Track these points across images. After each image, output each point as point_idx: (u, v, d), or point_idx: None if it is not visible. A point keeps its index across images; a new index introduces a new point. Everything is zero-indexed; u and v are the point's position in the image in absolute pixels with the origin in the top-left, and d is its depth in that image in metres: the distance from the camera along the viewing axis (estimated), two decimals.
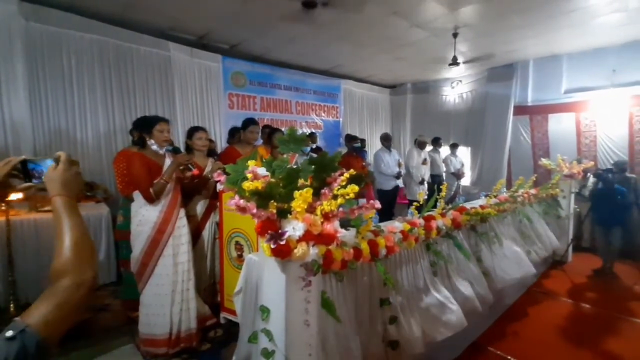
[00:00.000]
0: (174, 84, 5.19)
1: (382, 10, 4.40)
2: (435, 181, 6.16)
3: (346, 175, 1.36)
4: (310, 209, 1.32)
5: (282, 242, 1.20)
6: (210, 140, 3.64)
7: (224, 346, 2.48)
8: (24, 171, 0.93)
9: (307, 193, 1.17)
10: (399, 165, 5.71)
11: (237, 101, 6.16)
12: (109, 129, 4.65)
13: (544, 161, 4.91)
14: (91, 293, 0.73)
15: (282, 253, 1.24)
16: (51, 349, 0.64)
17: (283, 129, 4.35)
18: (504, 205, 3.29)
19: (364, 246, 1.80)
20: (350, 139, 5.83)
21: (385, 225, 2.13)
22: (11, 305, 2.89)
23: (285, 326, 1.35)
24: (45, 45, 4.14)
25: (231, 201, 1.20)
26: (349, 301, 1.80)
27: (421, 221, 2.32)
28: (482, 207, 2.99)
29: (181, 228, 2.47)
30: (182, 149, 2.98)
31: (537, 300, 3.58)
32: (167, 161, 2.46)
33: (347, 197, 1.24)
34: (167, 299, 2.36)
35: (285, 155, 1.75)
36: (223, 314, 2.58)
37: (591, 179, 4.60)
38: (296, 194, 1.19)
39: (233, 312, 2.27)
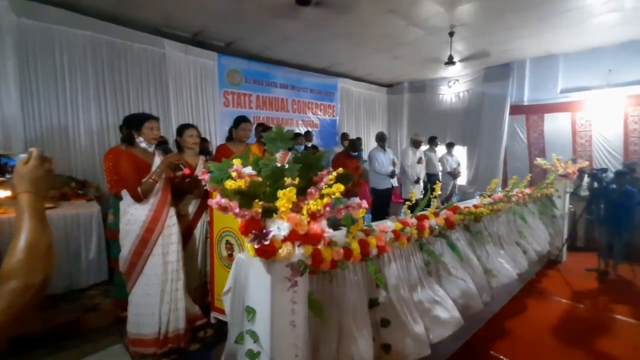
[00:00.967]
0: (168, 81, 5.15)
1: (377, 9, 4.38)
2: (431, 180, 6.14)
3: (333, 174, 1.34)
4: (297, 209, 1.30)
5: (266, 242, 1.18)
6: (205, 140, 3.60)
7: (213, 346, 2.45)
8: None
9: (291, 192, 1.14)
10: (394, 164, 5.69)
11: (233, 99, 6.13)
12: (102, 126, 4.61)
13: (539, 161, 4.91)
14: (39, 296, 0.70)
15: (267, 253, 1.21)
16: None
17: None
18: (498, 205, 3.28)
19: (355, 246, 1.78)
20: (349, 141, 5.72)
21: (377, 225, 2.11)
22: None
23: (270, 327, 1.33)
24: (37, 42, 4.09)
25: (212, 200, 1.18)
26: (339, 302, 1.78)
27: (414, 221, 2.30)
28: (475, 206, 2.98)
29: (171, 227, 2.44)
30: (173, 147, 2.95)
31: (531, 299, 3.57)
32: (157, 160, 2.42)
33: (333, 196, 1.22)
34: (156, 299, 2.33)
35: (279, 154, 1.72)
36: (213, 314, 2.55)
37: (586, 179, 4.60)
38: (279, 193, 1.16)
39: (223, 312, 2.23)
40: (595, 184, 4.35)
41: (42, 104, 4.17)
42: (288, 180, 1.31)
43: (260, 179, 1.27)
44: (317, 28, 4.96)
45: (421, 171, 6.08)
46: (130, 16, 4.58)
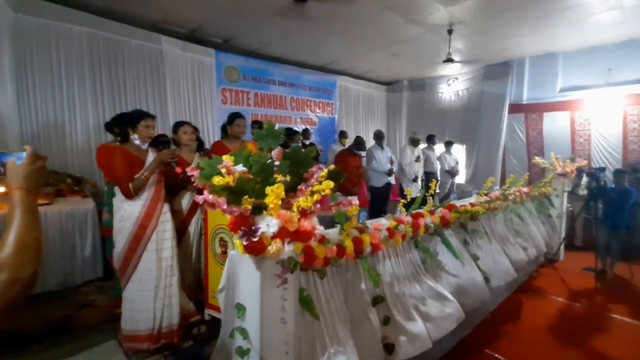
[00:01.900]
0: (165, 78, 5.12)
1: (376, 6, 4.36)
2: (430, 179, 6.13)
3: (324, 171, 1.32)
4: (287, 205, 1.29)
5: (255, 239, 1.17)
6: (195, 128, 3.47)
7: (206, 343, 2.44)
8: None
9: (279, 189, 1.13)
10: (391, 162, 5.67)
11: (231, 96, 6.10)
12: (99, 123, 4.58)
13: (537, 159, 4.90)
14: (27, 291, 0.70)
15: (256, 250, 1.20)
16: None
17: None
18: (495, 203, 3.27)
19: (348, 243, 1.77)
20: (355, 139, 5.65)
21: (372, 223, 2.10)
22: None
23: (260, 324, 1.32)
24: (34, 37, 4.07)
25: (200, 197, 1.17)
26: (335, 299, 1.76)
27: (409, 218, 2.29)
28: (472, 204, 2.97)
29: (165, 223, 2.43)
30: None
31: (527, 298, 3.56)
32: (150, 157, 2.41)
33: (322, 193, 1.20)
34: (150, 294, 2.33)
35: (274, 152, 1.71)
36: (207, 311, 2.55)
37: (584, 178, 4.59)
38: (268, 189, 1.15)
39: (217, 309, 2.24)
40: (594, 183, 4.34)
41: (39, 100, 4.14)
42: (279, 177, 1.30)
43: (251, 175, 1.26)
44: (315, 25, 4.94)
45: (419, 169, 6.06)
46: (128, 12, 4.55)
